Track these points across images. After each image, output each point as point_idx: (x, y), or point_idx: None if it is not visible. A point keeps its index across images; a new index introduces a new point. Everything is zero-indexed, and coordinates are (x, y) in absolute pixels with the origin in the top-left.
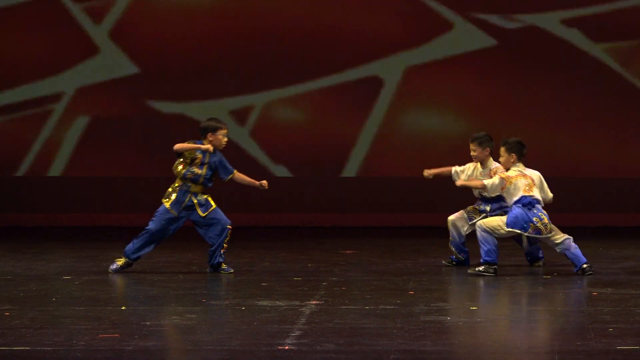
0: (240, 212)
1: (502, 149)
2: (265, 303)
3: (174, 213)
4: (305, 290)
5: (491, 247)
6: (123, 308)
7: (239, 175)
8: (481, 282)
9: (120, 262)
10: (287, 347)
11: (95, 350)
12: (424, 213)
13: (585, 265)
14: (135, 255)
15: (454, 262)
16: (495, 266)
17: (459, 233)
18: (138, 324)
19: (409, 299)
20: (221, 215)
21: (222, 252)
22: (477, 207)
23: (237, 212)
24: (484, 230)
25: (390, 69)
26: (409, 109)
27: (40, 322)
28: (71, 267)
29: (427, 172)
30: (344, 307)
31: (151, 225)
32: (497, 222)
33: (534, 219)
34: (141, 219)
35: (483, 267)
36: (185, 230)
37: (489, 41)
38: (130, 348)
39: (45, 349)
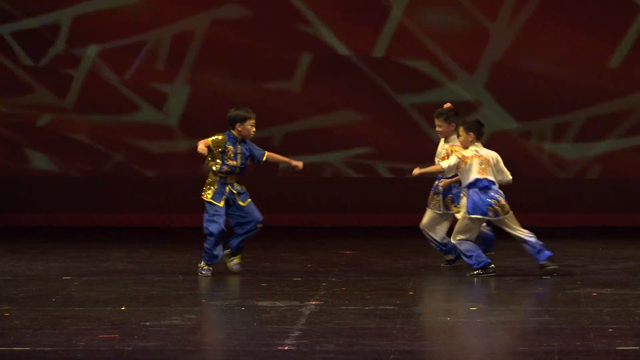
0: None
1: (461, 128)
2: (265, 303)
3: (219, 204)
4: (305, 291)
5: (475, 251)
6: (123, 308)
7: (271, 155)
8: (481, 282)
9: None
10: (286, 348)
11: (95, 350)
12: (423, 213)
13: (543, 262)
14: (217, 260)
15: (450, 264)
16: (492, 265)
17: (433, 238)
18: (138, 324)
19: (408, 300)
20: (254, 211)
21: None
22: (433, 191)
23: None
24: (461, 240)
25: None
26: None
27: (40, 323)
28: (71, 268)
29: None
30: (343, 307)
31: (212, 228)
32: (463, 220)
33: (492, 201)
34: (141, 219)
35: (481, 270)
36: (184, 231)
37: None
38: (130, 348)
39: (45, 349)
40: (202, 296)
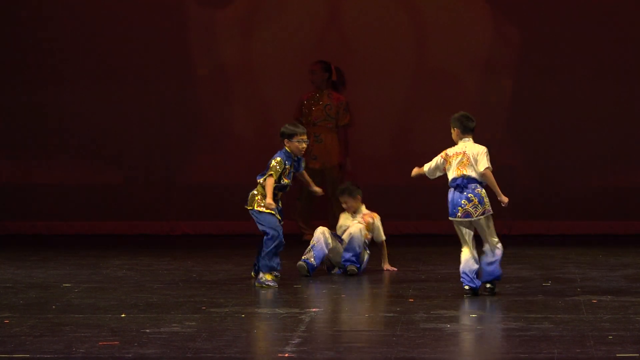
0: (240, 220)
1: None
2: (265, 310)
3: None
4: (305, 298)
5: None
6: (123, 316)
7: (303, 173)
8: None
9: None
10: (287, 355)
11: (95, 357)
12: (423, 221)
13: (489, 285)
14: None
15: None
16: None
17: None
18: (138, 331)
19: (409, 307)
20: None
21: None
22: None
23: (237, 220)
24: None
25: None
26: None
27: (40, 330)
28: (71, 275)
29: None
30: (343, 314)
31: (274, 233)
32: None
33: (462, 201)
34: (141, 227)
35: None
36: (185, 238)
37: None
38: (130, 356)
39: (45, 356)
40: (202, 303)
